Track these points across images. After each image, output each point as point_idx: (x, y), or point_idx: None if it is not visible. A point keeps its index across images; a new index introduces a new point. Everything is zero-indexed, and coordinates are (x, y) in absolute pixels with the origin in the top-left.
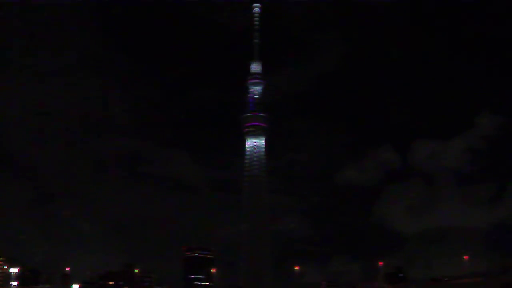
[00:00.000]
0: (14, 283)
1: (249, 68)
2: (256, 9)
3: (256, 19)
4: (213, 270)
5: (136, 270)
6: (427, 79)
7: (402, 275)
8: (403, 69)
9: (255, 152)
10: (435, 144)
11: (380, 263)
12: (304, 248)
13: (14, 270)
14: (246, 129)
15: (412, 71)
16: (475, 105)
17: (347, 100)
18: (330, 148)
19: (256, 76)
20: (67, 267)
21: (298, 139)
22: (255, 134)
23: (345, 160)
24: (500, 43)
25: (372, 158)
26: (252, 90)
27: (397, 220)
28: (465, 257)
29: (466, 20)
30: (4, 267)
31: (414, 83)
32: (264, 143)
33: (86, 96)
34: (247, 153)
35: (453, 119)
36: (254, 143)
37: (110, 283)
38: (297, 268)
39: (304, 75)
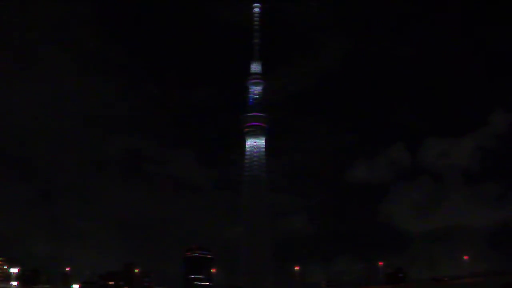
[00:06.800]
0: (14, 283)
1: (249, 68)
2: (256, 9)
3: (256, 19)
4: (213, 270)
5: (136, 270)
6: (441, 77)
7: (401, 275)
8: (416, 67)
9: (255, 152)
10: (447, 142)
11: (380, 263)
12: (307, 247)
13: (14, 270)
14: (246, 129)
15: (425, 68)
16: (488, 103)
17: (351, 99)
18: (334, 147)
19: (256, 76)
20: (67, 267)
21: (299, 139)
22: (255, 134)
23: (353, 159)
24: None
25: (384, 157)
26: (252, 90)
27: (403, 219)
28: (465, 257)
29: (478, 16)
30: (4, 267)
31: (428, 80)
32: (264, 143)
33: (87, 95)
34: (247, 153)
35: (467, 117)
36: (254, 143)
37: (110, 283)
38: (297, 268)
39: (305, 74)
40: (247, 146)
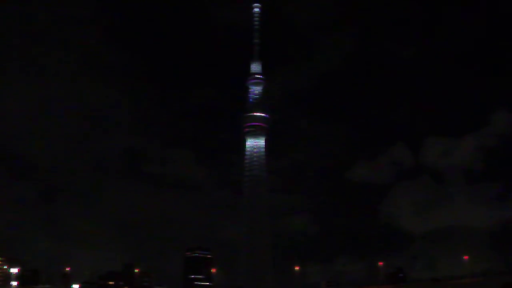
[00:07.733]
0: (14, 283)
1: (249, 68)
2: (256, 9)
3: (256, 19)
4: (213, 270)
5: (136, 270)
6: (442, 77)
7: (402, 275)
8: (417, 67)
9: (255, 152)
10: (448, 141)
11: (380, 263)
12: (307, 247)
13: (14, 270)
14: (246, 129)
15: (426, 68)
16: (490, 102)
17: (351, 99)
18: (335, 147)
19: (256, 76)
20: (67, 267)
21: (299, 139)
22: (255, 134)
23: (355, 159)
24: None
25: (385, 157)
26: (252, 90)
27: (404, 219)
28: (465, 257)
29: (480, 16)
30: (4, 267)
31: (429, 80)
32: (264, 143)
33: (88, 95)
34: (247, 153)
35: (468, 117)
36: (254, 143)
37: (110, 283)
38: (297, 268)
39: (305, 74)
40: (247, 146)
